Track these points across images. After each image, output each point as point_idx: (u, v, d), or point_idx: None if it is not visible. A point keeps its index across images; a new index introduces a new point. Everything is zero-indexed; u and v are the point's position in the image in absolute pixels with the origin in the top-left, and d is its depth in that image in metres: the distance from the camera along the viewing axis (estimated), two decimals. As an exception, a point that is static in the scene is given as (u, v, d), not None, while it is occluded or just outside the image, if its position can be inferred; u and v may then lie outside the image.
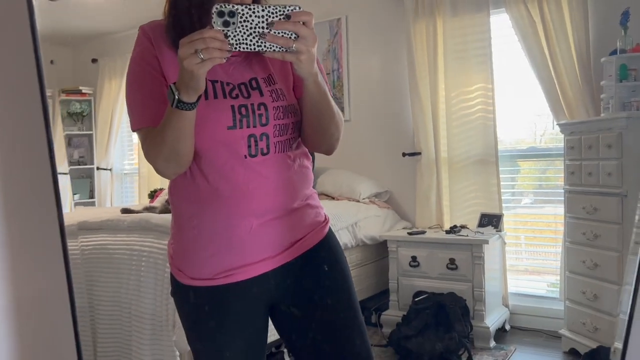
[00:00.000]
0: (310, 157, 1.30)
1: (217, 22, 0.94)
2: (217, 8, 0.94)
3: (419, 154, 3.75)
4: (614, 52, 2.81)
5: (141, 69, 1.16)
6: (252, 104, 1.14)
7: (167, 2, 1.17)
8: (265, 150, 1.15)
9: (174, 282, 1.25)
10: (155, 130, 1.09)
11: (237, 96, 1.14)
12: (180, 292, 1.24)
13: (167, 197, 3.02)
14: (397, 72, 3.89)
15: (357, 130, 3.95)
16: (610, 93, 2.79)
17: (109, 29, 5.31)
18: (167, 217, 2.44)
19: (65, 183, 5.25)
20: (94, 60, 5.59)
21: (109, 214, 2.75)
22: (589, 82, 3.08)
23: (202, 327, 1.21)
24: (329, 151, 1.26)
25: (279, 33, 0.96)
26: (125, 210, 2.83)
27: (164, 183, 4.82)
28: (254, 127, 1.13)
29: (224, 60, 0.97)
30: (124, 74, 5.29)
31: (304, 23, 0.97)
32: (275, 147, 1.16)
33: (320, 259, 1.24)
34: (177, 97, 1.00)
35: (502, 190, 3.51)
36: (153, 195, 4.32)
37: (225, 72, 1.16)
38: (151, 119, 1.12)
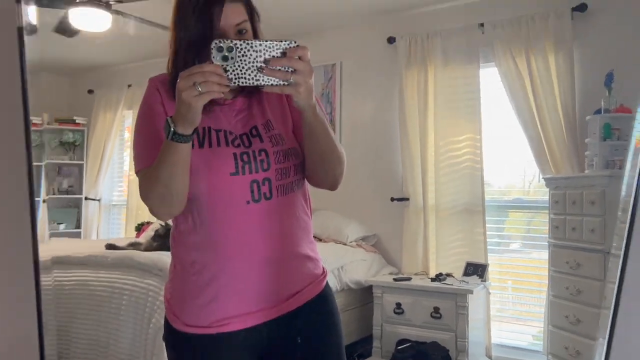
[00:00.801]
0: (311, 206, 1.31)
1: (216, 57, 0.96)
2: (216, 43, 0.96)
3: (407, 199, 3.78)
4: (598, 111, 2.88)
5: (146, 116, 1.19)
6: (253, 151, 1.16)
7: (170, 60, 1.19)
8: (268, 195, 1.16)
9: (167, 326, 1.24)
10: (151, 168, 1.11)
11: (239, 145, 1.16)
12: (174, 338, 1.23)
13: (152, 232, 3.01)
14: (389, 117, 3.96)
15: (347, 173, 3.95)
16: (595, 151, 2.85)
17: (107, 61, 5.38)
18: (151, 256, 2.44)
19: (43, 212, 5.22)
20: (90, 91, 5.64)
21: (93, 249, 2.74)
22: (574, 139, 3.15)
23: None
24: (333, 186, 1.26)
25: (271, 56, 0.98)
26: (110, 246, 2.81)
27: (151, 217, 4.80)
28: (256, 172, 1.15)
29: (222, 95, 0.99)
30: (118, 106, 5.36)
31: (299, 57, 0.99)
32: (278, 191, 1.17)
33: (314, 315, 1.24)
34: (172, 128, 1.01)
35: (489, 234, 3.53)
36: (140, 228, 4.30)
37: (229, 123, 1.19)
38: (151, 160, 1.13)
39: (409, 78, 3.77)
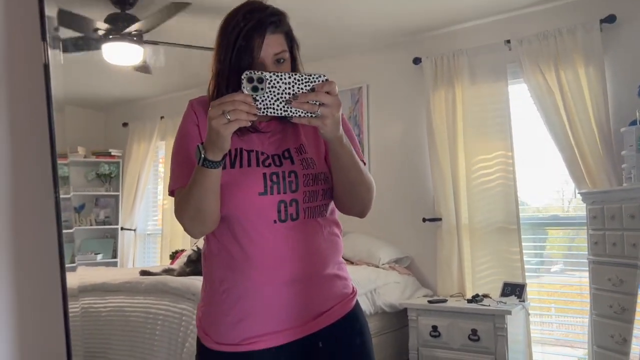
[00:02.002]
0: (341, 227, 1.31)
1: (246, 87, 0.99)
2: (246, 74, 0.99)
3: (440, 219, 3.72)
4: (633, 123, 2.80)
5: (182, 136, 1.23)
6: (283, 172, 1.18)
7: (210, 84, 1.22)
8: (294, 216, 1.17)
9: (199, 345, 1.25)
10: (185, 189, 1.14)
11: (269, 165, 1.19)
12: (205, 356, 1.24)
13: (185, 258, 3.04)
14: (417, 138, 3.94)
15: (377, 195, 3.93)
16: (632, 163, 2.77)
17: (140, 95, 5.55)
18: (183, 280, 2.46)
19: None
20: (125, 124, 5.81)
21: (128, 276, 2.78)
22: (610, 152, 3.06)
23: None
24: (362, 213, 1.26)
25: (300, 88, 1.00)
26: (144, 272, 2.85)
27: (185, 244, 4.86)
28: (284, 193, 1.17)
29: (249, 123, 1.02)
30: (152, 137, 5.50)
31: (327, 92, 1.01)
32: (305, 213, 1.19)
33: (343, 334, 1.23)
34: (203, 155, 1.05)
35: (528, 258, 3.44)
36: (174, 256, 4.36)
37: (262, 144, 1.22)
38: (185, 180, 1.16)
39: (436, 98, 3.76)
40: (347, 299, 1.25)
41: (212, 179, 1.09)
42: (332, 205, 1.27)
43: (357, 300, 1.29)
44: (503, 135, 3.52)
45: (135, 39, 3.25)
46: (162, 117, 5.40)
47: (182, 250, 4.20)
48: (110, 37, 3.21)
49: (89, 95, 5.54)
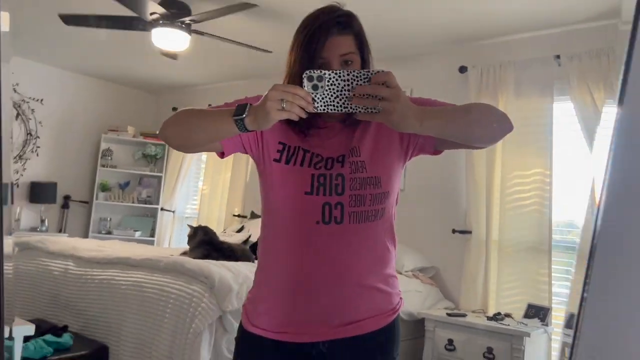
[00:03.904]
0: (396, 240, 1.28)
1: (307, 85, 1.02)
2: (307, 73, 1.02)
3: (470, 232, 3.65)
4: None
5: (229, 104, 1.21)
6: (330, 174, 1.19)
7: (284, 81, 1.23)
8: (338, 219, 1.17)
9: (240, 326, 1.31)
10: (200, 110, 1.17)
11: (320, 167, 1.20)
12: (240, 335, 1.29)
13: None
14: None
15: (410, 201, 3.92)
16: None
17: (190, 81, 5.71)
18: (200, 263, 2.52)
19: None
20: (174, 109, 5.98)
21: (154, 253, 2.88)
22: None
23: None
24: (493, 140, 1.23)
25: (359, 84, 1.01)
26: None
27: (219, 229, 4.95)
28: (330, 195, 1.17)
29: (297, 118, 1.04)
30: (198, 123, 5.65)
31: (385, 84, 1.00)
32: (350, 217, 1.17)
33: (371, 350, 1.22)
34: (244, 115, 1.05)
35: (557, 276, 3.31)
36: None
37: (321, 145, 1.22)
38: (209, 110, 1.18)
39: (478, 108, 3.68)
40: (383, 314, 1.23)
41: (229, 131, 1.09)
42: (387, 212, 1.24)
43: (395, 319, 1.26)
44: (543, 152, 3.40)
45: (184, 26, 3.35)
46: (209, 105, 5.52)
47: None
48: (161, 22, 3.32)
49: (142, 78, 5.75)
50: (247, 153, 1.25)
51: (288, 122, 1.15)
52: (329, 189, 1.17)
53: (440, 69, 4.01)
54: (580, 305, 0.58)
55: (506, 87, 3.57)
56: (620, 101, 0.59)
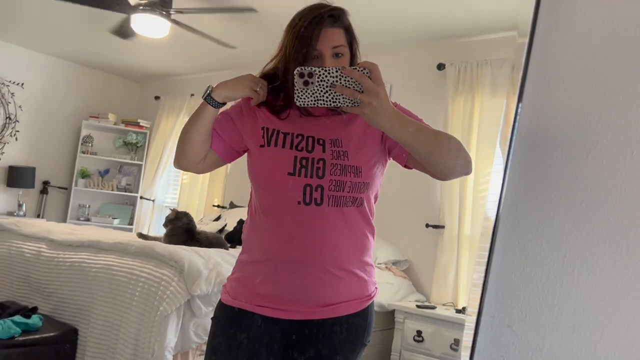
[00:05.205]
0: (374, 230, 1.32)
1: (298, 82, 1.08)
2: (298, 70, 1.08)
3: (443, 227, 3.70)
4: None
5: (225, 115, 1.35)
6: (312, 158, 1.24)
7: (272, 65, 1.31)
8: (318, 201, 1.21)
9: (217, 304, 1.34)
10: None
11: (302, 149, 1.25)
12: (218, 311, 1.32)
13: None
14: (432, 144, 3.91)
15: (384, 195, 3.96)
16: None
17: (173, 71, 5.70)
18: (169, 248, 2.54)
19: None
20: (157, 98, 5.97)
21: (125, 238, 2.89)
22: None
23: (217, 341, 1.28)
24: (447, 176, 1.21)
25: (347, 80, 1.06)
26: (141, 235, 2.95)
27: (197, 218, 4.96)
28: (311, 177, 1.22)
29: (258, 102, 1.27)
30: (181, 112, 5.63)
31: (370, 77, 1.05)
32: (329, 200, 1.22)
33: (343, 334, 1.26)
34: (209, 90, 1.25)
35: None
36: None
37: (302, 127, 1.28)
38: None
39: (455, 105, 3.74)
40: (358, 300, 1.27)
41: (206, 115, 1.25)
42: (365, 204, 1.27)
43: (370, 306, 1.30)
44: (516, 150, 3.46)
45: (164, 13, 3.36)
46: (192, 95, 5.53)
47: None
48: (141, 7, 3.32)
49: (126, 66, 5.73)
50: (239, 150, 1.34)
51: (269, 109, 1.29)
52: (310, 171, 1.21)
53: (419, 65, 4.06)
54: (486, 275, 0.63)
55: (482, 86, 3.62)
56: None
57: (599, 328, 0.65)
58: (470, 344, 0.67)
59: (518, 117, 0.64)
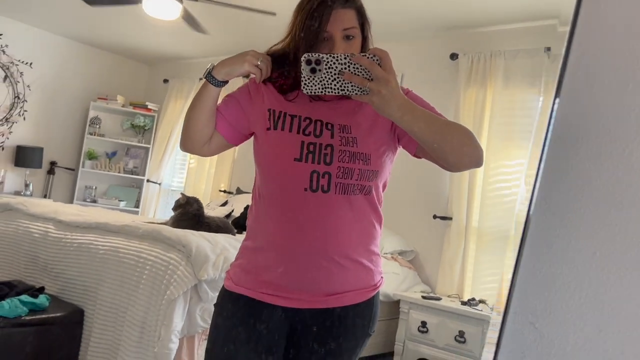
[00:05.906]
0: (382, 219, 1.29)
1: (305, 69, 1.05)
2: (305, 57, 1.04)
3: (450, 219, 3.69)
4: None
5: (230, 97, 1.32)
6: (320, 144, 1.20)
7: (281, 45, 1.28)
8: (325, 188, 1.18)
9: (221, 290, 1.32)
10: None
11: (309, 134, 1.21)
12: (222, 297, 1.31)
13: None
14: (442, 134, 3.88)
15: (392, 185, 3.94)
16: None
17: (183, 54, 5.67)
18: (177, 232, 2.54)
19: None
20: (165, 81, 5.95)
21: (131, 220, 2.88)
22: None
23: (221, 329, 1.26)
24: (455, 165, 1.16)
25: (356, 68, 1.02)
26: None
27: (204, 203, 4.97)
28: (319, 164, 1.18)
29: (260, 80, 1.23)
30: (189, 95, 5.61)
31: (380, 65, 1.02)
32: (337, 188, 1.19)
33: (349, 324, 1.25)
34: (210, 68, 1.22)
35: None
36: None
37: (311, 110, 1.24)
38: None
39: (467, 96, 3.70)
40: (364, 289, 1.25)
41: (208, 94, 1.22)
42: (374, 192, 1.24)
43: (375, 296, 1.28)
44: (527, 143, 3.43)
45: (176, -5, 3.32)
46: (200, 79, 5.47)
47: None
48: (153, -11, 3.28)
49: (135, 48, 5.70)
50: (245, 133, 1.31)
51: (277, 90, 1.26)
52: (317, 158, 1.18)
53: (432, 55, 4.02)
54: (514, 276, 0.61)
55: (495, 77, 3.58)
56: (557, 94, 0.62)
57: (628, 329, 0.63)
58: (494, 341, 0.66)
59: (554, 112, 0.62)
